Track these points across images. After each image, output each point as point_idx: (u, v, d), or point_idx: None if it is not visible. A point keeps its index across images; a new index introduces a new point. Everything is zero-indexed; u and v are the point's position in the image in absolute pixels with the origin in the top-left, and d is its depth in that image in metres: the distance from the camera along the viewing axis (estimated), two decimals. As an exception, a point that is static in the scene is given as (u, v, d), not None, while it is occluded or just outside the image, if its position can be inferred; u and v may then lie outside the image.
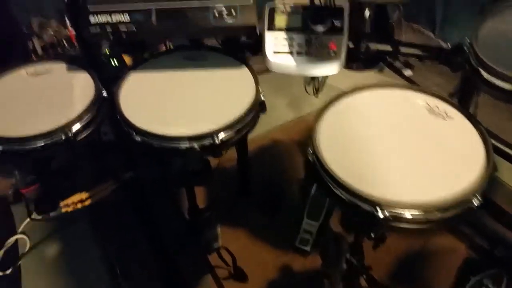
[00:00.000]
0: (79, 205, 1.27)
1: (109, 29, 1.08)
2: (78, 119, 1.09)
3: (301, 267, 1.41)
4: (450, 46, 1.86)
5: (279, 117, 1.91)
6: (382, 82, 1.08)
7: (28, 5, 1.59)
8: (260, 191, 1.60)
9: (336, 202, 0.89)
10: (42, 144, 1.05)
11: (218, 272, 1.37)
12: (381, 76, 2.07)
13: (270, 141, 1.81)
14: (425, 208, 0.82)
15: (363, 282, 1.24)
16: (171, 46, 1.44)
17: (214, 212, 1.38)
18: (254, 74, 1.16)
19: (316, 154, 0.92)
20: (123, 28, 1.08)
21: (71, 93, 1.17)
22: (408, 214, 0.82)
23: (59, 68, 1.26)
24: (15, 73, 1.26)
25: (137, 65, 1.23)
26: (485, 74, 0.95)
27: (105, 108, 1.17)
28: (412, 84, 1.95)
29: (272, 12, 1.15)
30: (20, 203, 1.54)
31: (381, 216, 0.82)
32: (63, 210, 1.28)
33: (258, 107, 1.11)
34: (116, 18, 1.08)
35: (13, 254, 1.45)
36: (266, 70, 1.17)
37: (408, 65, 1.92)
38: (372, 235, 0.95)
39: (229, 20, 1.06)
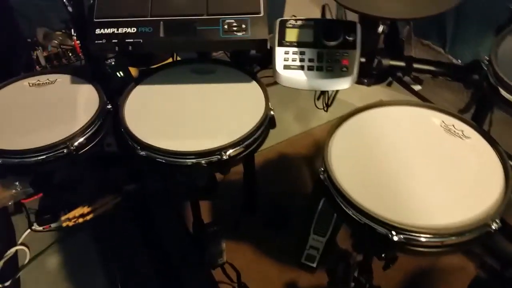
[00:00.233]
0: (80, 220, 1.24)
1: (115, 41, 1.05)
2: (81, 132, 1.05)
3: (307, 284, 1.38)
4: (460, 63, 1.85)
5: (286, 130, 1.89)
6: (396, 100, 1.05)
7: (33, 16, 1.58)
8: (266, 206, 1.58)
9: (348, 223, 0.86)
10: (44, 157, 1.02)
11: (222, 288, 1.34)
12: (389, 90, 2.04)
13: (276, 154, 1.78)
14: (442, 233, 0.79)
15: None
16: (178, 58, 1.42)
17: (219, 227, 1.35)
18: (264, 89, 1.13)
19: (328, 172, 0.89)
20: (129, 40, 1.05)
21: (75, 105, 1.14)
22: (423, 238, 0.79)
23: (63, 79, 1.23)
24: (17, 84, 1.23)
25: (143, 77, 1.20)
26: (503, 92, 0.92)
27: (109, 121, 1.14)
28: (421, 99, 1.93)
29: (283, 25, 1.14)
30: (20, 214, 1.53)
31: (396, 239, 0.78)
32: (64, 224, 1.25)
33: (267, 123, 1.08)
34: (123, 30, 1.05)
35: (13, 265, 1.42)
36: (273, 83, 1.15)
37: (418, 80, 1.89)
38: (383, 255, 0.92)
39: (239, 34, 1.04)
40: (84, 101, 1.15)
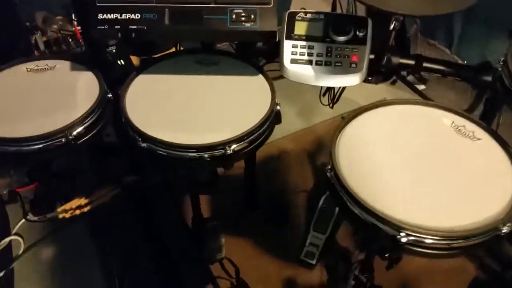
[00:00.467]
0: (77, 212, 1.21)
1: (117, 27, 1.01)
2: (80, 121, 1.02)
3: (306, 281, 1.37)
4: (466, 63, 1.83)
5: (288, 126, 1.86)
6: (404, 99, 1.03)
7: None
8: (266, 202, 1.56)
9: (355, 223, 0.84)
10: (40, 146, 0.99)
11: (220, 283, 1.33)
12: (393, 89, 2.03)
13: (278, 150, 1.76)
14: (450, 235, 0.77)
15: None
16: (181, 48, 1.38)
17: (219, 222, 1.33)
18: (270, 82, 1.11)
19: (335, 170, 0.87)
20: (132, 27, 1.01)
21: (74, 93, 1.10)
22: (431, 240, 0.77)
23: (62, 65, 1.19)
24: (14, 69, 1.18)
25: (145, 66, 1.17)
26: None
27: (109, 111, 1.11)
28: (425, 98, 1.91)
29: (292, 18, 1.10)
30: (15, 203, 1.49)
31: (404, 240, 0.77)
32: (61, 216, 1.22)
33: (273, 118, 1.05)
34: (126, 16, 1.01)
35: (7, 256, 1.39)
36: (278, 77, 1.12)
37: (422, 80, 1.88)
38: (387, 255, 0.91)
39: (248, 24, 1.01)
40: (84, 88, 1.12)
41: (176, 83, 1.12)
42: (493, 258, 1.37)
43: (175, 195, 1.53)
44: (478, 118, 1.00)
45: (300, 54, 1.08)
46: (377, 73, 1.20)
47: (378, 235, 0.80)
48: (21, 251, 1.40)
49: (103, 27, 1.00)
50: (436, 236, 0.77)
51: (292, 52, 1.09)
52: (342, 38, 1.07)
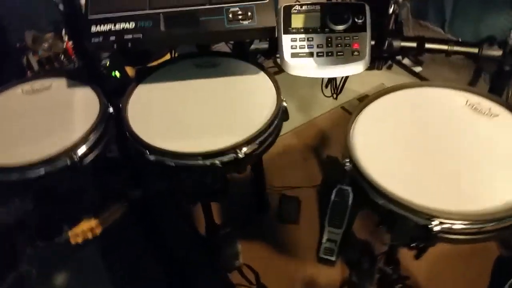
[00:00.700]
0: (89, 235, 1.17)
1: (113, 38, 0.97)
2: (83, 140, 0.97)
3: (328, 278, 1.34)
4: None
5: (289, 121, 1.83)
6: (414, 82, 1.00)
7: (21, 18, 1.47)
8: (275, 201, 1.52)
9: (381, 215, 0.81)
10: (45, 171, 0.94)
11: (241, 291, 1.30)
12: (390, 73, 2.01)
13: (282, 146, 1.73)
14: (482, 218, 0.74)
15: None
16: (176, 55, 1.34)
17: (233, 228, 1.29)
18: (273, 79, 1.08)
19: (354, 162, 0.84)
20: (128, 37, 0.97)
21: (74, 111, 1.06)
22: (464, 225, 0.74)
23: (57, 83, 1.15)
24: (9, 92, 1.14)
25: (144, 76, 1.13)
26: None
27: (112, 126, 1.07)
28: (423, 80, 1.89)
29: (288, 12, 1.08)
30: (21, 230, 1.44)
31: (437, 229, 0.74)
32: (73, 241, 1.17)
33: (281, 115, 1.02)
34: (120, 26, 0.97)
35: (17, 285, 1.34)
36: (275, 72, 1.09)
37: (418, 62, 1.86)
38: (416, 245, 0.88)
39: (245, 22, 0.97)
40: (83, 105, 1.08)
41: (177, 89, 1.09)
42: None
43: (184, 205, 1.49)
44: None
45: (300, 47, 1.06)
46: (378, 59, 1.17)
47: (408, 226, 0.77)
48: (31, 279, 1.34)
49: (97, 39, 0.97)
50: (468, 220, 0.74)
51: (291, 46, 1.06)
52: (341, 27, 1.05)
